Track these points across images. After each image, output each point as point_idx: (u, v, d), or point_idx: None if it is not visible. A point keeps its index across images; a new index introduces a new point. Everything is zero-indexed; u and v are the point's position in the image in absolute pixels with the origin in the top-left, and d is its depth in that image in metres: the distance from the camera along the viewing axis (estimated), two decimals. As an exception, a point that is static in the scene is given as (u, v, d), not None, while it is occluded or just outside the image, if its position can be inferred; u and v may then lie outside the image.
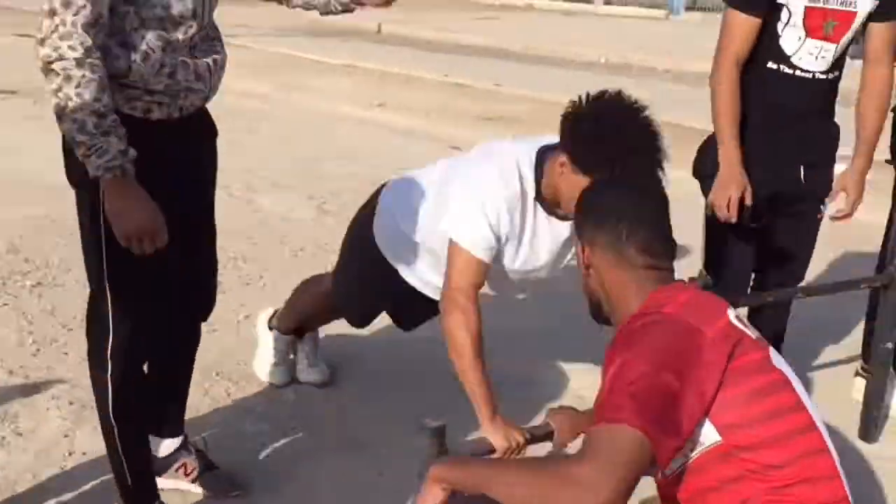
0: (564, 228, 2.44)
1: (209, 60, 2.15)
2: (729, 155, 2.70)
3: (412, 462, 1.93)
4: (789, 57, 2.71)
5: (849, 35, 2.73)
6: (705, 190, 2.81)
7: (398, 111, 8.28)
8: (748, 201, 2.71)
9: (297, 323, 3.20)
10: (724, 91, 2.71)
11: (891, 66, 2.85)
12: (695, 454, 1.54)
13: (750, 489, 1.50)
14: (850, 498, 1.58)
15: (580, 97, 2.25)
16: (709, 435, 1.51)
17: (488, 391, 2.24)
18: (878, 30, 2.77)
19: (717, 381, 1.50)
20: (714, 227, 2.81)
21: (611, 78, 9.02)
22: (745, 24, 2.68)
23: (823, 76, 2.75)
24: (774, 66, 2.73)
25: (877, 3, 2.69)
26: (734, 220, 2.71)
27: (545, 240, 2.47)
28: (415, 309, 2.86)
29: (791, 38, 2.69)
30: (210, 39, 2.19)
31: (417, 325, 3.02)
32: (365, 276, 2.86)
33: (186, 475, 2.57)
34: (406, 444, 2.47)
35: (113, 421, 2.24)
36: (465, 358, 2.24)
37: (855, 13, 2.69)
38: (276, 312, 3.25)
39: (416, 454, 1.93)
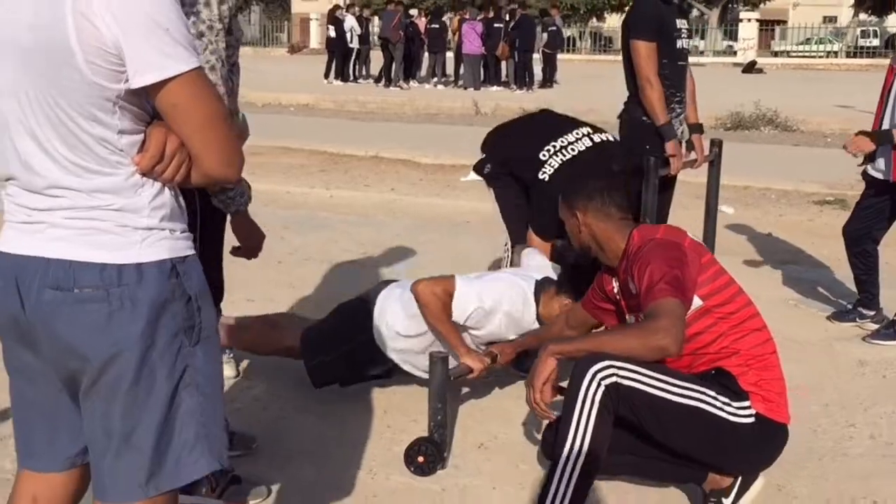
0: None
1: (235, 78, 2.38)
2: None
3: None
4: None
5: None
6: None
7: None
8: None
9: (232, 343, 3.43)
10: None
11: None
12: (687, 315, 2.47)
13: (721, 327, 2.53)
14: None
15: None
16: (695, 302, 2.49)
17: (461, 337, 3.17)
18: None
19: (697, 271, 2.53)
20: None
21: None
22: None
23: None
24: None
25: None
26: None
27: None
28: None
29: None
30: None
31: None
32: (357, 355, 3.31)
33: (213, 491, 2.54)
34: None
35: None
36: (442, 321, 3.14)
37: None
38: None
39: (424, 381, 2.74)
